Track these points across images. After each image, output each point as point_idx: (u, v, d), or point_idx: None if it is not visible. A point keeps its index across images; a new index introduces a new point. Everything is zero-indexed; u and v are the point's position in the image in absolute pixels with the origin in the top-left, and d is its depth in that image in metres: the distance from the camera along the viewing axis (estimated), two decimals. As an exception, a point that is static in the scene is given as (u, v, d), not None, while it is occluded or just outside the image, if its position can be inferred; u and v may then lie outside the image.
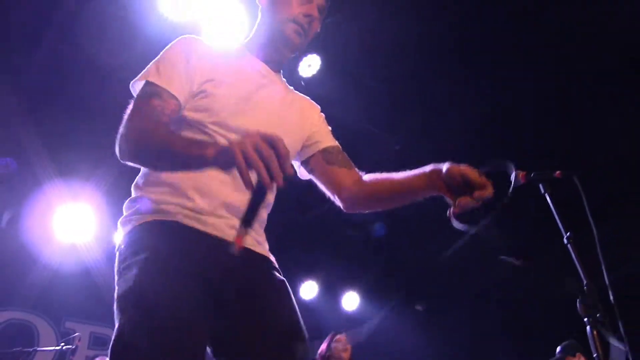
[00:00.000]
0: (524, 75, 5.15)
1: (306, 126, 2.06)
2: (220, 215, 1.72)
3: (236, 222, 1.54)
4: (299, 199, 6.60)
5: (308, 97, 2.18)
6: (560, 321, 5.09)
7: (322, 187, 2.08)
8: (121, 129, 1.69)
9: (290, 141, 1.81)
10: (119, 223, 1.82)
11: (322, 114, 2.15)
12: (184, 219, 1.69)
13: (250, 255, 1.77)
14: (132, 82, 1.85)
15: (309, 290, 7.40)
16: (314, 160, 2.06)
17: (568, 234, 2.27)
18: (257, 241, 1.84)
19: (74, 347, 4.58)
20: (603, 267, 2.13)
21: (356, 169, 2.06)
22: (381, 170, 2.00)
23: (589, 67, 4.94)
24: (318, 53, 5.16)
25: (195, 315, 1.52)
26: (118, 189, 5.99)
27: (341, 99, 5.29)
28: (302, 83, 5.12)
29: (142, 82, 1.79)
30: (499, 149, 5.69)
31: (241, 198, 1.64)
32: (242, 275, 1.67)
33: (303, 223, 6.82)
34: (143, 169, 1.85)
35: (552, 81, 5.17)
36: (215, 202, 1.72)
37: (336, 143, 2.10)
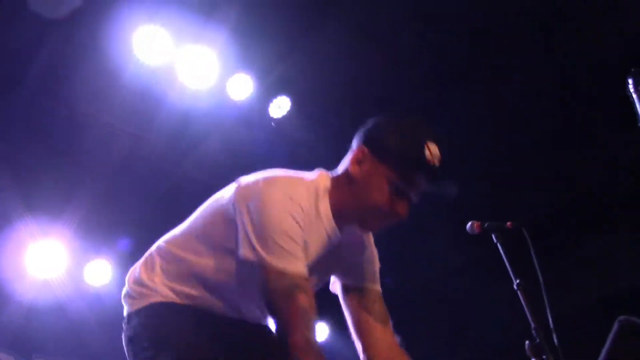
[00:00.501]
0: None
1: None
2: None
3: None
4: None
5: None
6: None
7: (350, 327, 2.00)
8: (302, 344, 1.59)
9: None
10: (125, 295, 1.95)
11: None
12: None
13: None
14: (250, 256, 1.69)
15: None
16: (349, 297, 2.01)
17: (518, 281, 2.46)
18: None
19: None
20: (548, 312, 2.32)
21: (391, 327, 1.97)
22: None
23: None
24: (287, 94, 5.31)
25: None
26: (88, 223, 6.06)
27: (311, 140, 5.48)
28: (272, 124, 5.29)
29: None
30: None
31: None
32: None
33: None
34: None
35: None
36: None
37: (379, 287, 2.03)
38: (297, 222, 1.68)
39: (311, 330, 1.59)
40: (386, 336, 1.93)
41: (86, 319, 5.94)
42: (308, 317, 1.59)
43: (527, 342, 2.31)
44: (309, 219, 1.74)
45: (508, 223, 2.60)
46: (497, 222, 2.62)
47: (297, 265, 1.63)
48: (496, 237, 2.60)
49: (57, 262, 5.94)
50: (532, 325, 2.34)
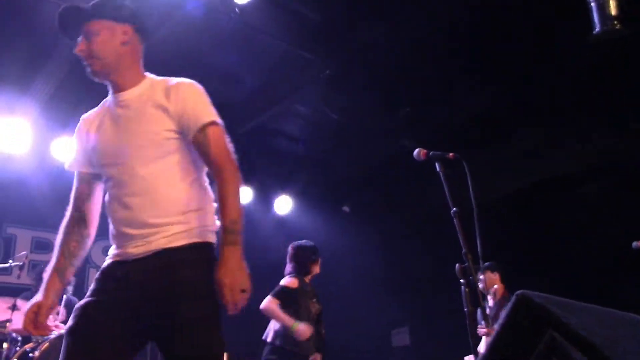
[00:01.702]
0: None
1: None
2: None
3: None
4: (235, 111, 6.90)
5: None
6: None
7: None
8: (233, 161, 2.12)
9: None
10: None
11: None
12: None
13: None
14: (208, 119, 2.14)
15: (243, 195, 7.82)
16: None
17: (454, 209, 2.74)
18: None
19: (21, 264, 4.91)
20: (478, 240, 2.63)
21: None
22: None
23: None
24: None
25: None
26: (55, 100, 6.10)
27: (273, 27, 5.50)
28: (237, 10, 5.24)
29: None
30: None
31: None
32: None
33: (240, 134, 7.14)
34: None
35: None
36: None
37: None
38: None
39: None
40: None
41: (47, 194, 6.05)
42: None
43: (457, 265, 2.64)
44: None
45: (450, 154, 2.83)
46: (441, 152, 2.85)
47: None
48: (439, 166, 2.84)
49: (21, 139, 6.06)
50: (463, 250, 2.66)
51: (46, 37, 5.27)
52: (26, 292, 5.55)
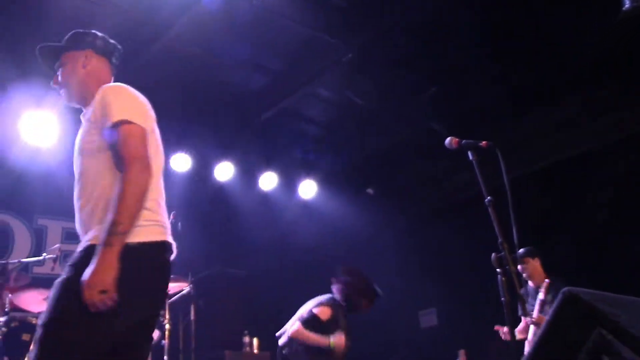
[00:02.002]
0: None
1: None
2: None
3: None
4: (258, 97, 6.90)
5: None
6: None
7: None
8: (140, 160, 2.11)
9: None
10: None
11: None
12: None
13: None
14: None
15: (268, 181, 7.85)
16: None
17: (489, 197, 2.71)
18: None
19: (55, 256, 5.00)
20: (514, 228, 2.60)
21: None
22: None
23: None
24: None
25: None
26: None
27: (295, 11, 5.46)
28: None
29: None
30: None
31: None
32: None
33: (264, 120, 7.14)
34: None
35: None
36: None
37: None
38: None
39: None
40: None
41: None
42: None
43: (493, 254, 2.62)
44: None
45: (483, 142, 2.79)
46: (473, 141, 2.81)
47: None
48: (471, 155, 2.81)
49: (49, 131, 6.12)
50: (499, 239, 2.63)
51: (71, 30, 5.31)
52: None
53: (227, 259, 8.40)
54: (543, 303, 4.83)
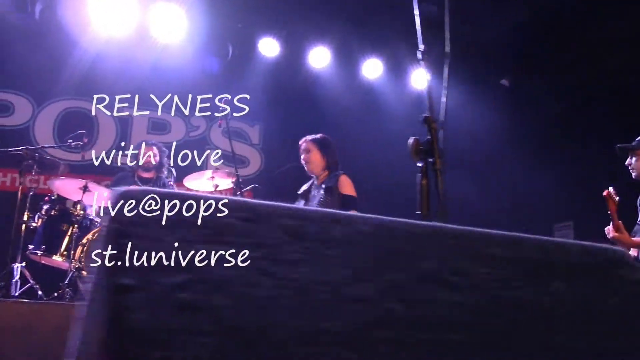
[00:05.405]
0: None
1: None
2: None
3: None
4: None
5: None
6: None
7: None
8: None
9: None
10: None
11: None
12: None
13: None
14: None
15: (372, 68, 6.91)
16: None
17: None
18: None
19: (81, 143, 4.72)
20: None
21: None
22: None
23: None
24: None
25: None
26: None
27: None
28: None
29: None
30: None
31: None
32: None
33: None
34: None
35: None
36: None
37: None
38: None
39: None
40: None
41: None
42: None
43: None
44: None
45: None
46: None
47: None
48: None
49: (123, 19, 5.82)
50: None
51: None
52: (121, 172, 5.43)
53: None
54: None
